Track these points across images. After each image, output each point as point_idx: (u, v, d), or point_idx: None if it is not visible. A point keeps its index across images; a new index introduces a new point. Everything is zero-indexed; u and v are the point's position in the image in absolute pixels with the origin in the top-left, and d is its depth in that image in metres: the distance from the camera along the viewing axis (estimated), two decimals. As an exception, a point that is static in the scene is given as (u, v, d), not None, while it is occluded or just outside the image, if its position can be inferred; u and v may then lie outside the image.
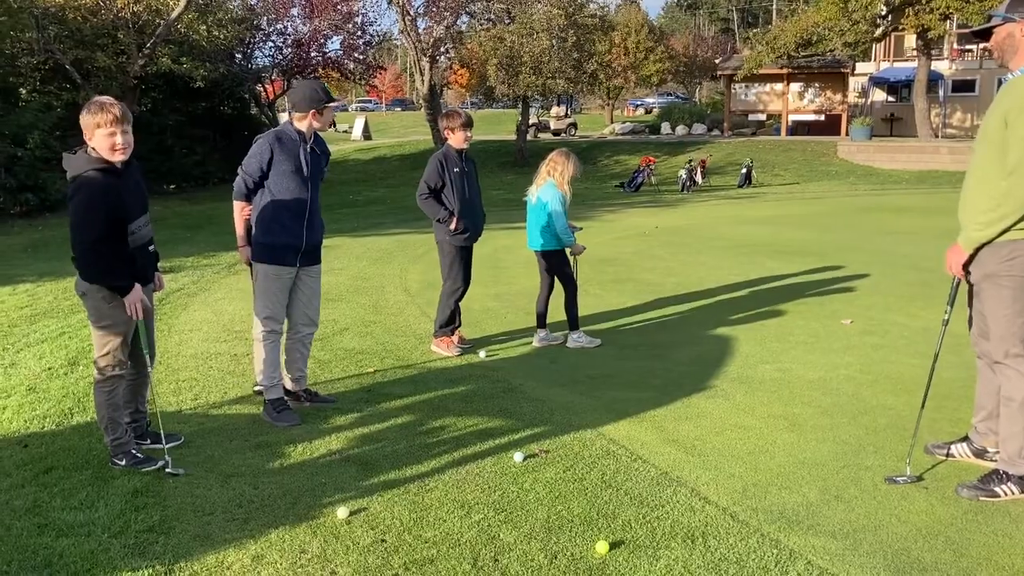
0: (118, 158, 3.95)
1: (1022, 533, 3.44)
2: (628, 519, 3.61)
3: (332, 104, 4.83)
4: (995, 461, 3.88)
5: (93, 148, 3.93)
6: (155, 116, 22.77)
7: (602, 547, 3.32)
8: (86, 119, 3.91)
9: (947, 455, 4.19)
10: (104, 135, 3.90)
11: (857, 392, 5.26)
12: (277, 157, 4.73)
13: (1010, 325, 3.68)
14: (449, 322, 6.35)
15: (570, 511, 3.69)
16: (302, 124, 4.81)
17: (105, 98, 4.00)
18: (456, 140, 6.20)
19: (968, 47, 33.29)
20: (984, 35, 3.80)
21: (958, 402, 4.94)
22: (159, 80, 22.69)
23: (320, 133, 4.97)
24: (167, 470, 4.12)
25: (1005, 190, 3.54)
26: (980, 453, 4.09)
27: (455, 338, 6.37)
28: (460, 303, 6.39)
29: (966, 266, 3.79)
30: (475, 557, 3.31)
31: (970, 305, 3.94)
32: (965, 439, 4.20)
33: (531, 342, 6.55)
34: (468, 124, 6.22)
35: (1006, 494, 3.71)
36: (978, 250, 3.72)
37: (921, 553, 3.30)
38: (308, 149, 4.83)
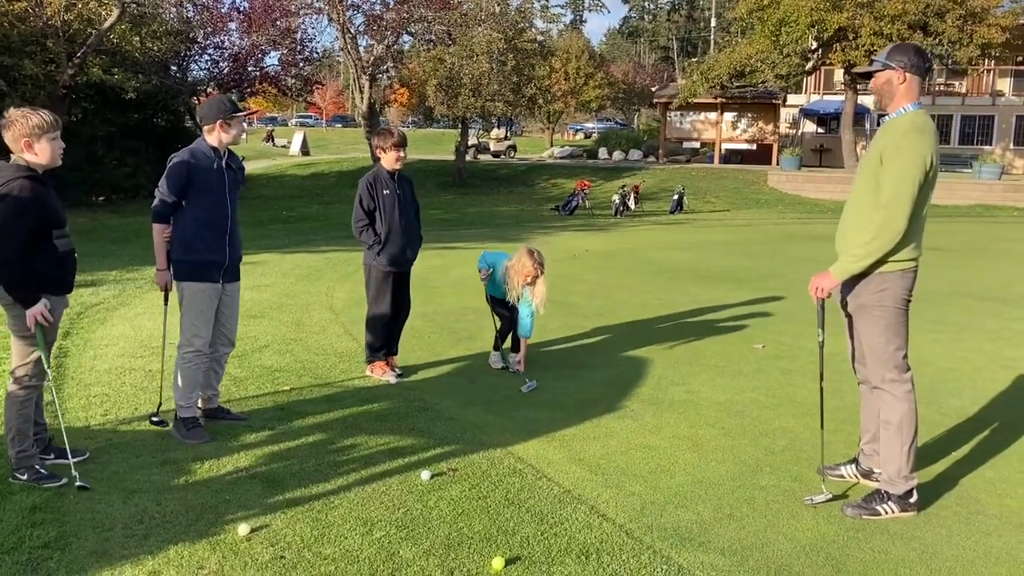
0: (59, 163, 4.07)
1: (897, 549, 3.62)
2: (527, 536, 3.70)
3: (240, 115, 4.87)
4: (880, 481, 4.08)
5: (22, 158, 3.94)
6: (85, 126, 22.33)
7: (498, 563, 3.40)
8: (24, 127, 3.92)
9: (837, 476, 4.38)
10: (50, 140, 3.99)
11: (760, 415, 5.45)
12: (195, 176, 4.75)
13: (883, 352, 3.90)
14: (380, 348, 6.22)
15: (471, 528, 3.77)
16: (212, 138, 4.83)
17: (29, 108, 4.03)
18: (388, 161, 6.00)
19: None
20: (868, 77, 4.04)
21: (853, 425, 5.14)
22: (90, 90, 22.30)
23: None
24: (77, 483, 4.08)
25: (878, 224, 3.76)
26: (867, 474, 4.29)
27: (388, 364, 6.23)
28: (402, 328, 6.36)
29: (830, 291, 4.00)
30: (373, 573, 3.36)
31: (850, 334, 4.15)
32: (854, 460, 4.40)
33: (452, 362, 6.68)
34: (401, 144, 5.98)
35: (886, 512, 3.90)
36: (849, 280, 3.93)
37: (802, 569, 3.45)
38: (224, 164, 4.86)
